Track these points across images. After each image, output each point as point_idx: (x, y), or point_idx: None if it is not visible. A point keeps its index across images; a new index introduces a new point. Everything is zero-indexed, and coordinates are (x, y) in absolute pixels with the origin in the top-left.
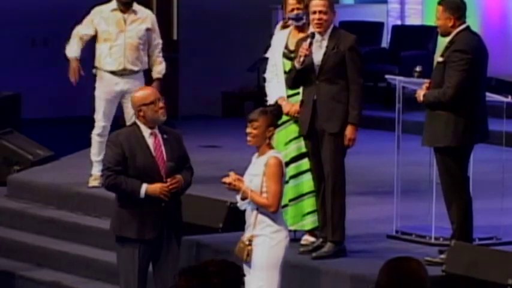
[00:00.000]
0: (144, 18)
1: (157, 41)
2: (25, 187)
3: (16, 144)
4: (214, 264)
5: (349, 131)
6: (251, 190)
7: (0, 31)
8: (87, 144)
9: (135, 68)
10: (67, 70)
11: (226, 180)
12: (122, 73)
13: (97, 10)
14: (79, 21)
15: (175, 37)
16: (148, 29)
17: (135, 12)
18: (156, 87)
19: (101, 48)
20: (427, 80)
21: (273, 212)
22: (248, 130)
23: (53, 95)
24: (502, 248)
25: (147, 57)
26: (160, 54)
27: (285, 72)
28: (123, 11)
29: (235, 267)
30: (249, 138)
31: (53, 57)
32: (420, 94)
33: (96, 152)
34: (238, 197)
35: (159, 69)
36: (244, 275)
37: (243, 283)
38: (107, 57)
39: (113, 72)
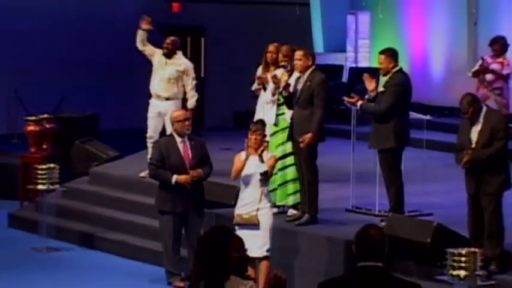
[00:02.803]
0: (180, 64)
1: (189, 81)
2: (101, 176)
3: (94, 147)
4: (212, 231)
5: (308, 135)
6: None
7: (79, 70)
8: (142, 148)
9: (165, 95)
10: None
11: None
12: (156, 96)
13: (159, 50)
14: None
15: (202, 75)
16: (182, 72)
17: (175, 59)
18: (190, 114)
19: (151, 79)
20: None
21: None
22: (254, 137)
23: (119, 113)
24: (423, 218)
25: (178, 90)
26: (192, 91)
27: (283, 101)
28: (166, 56)
29: (227, 229)
30: (253, 142)
31: (122, 90)
32: (358, 103)
33: (150, 153)
34: (255, 166)
35: (190, 102)
36: (233, 234)
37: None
38: (151, 84)
39: (154, 96)
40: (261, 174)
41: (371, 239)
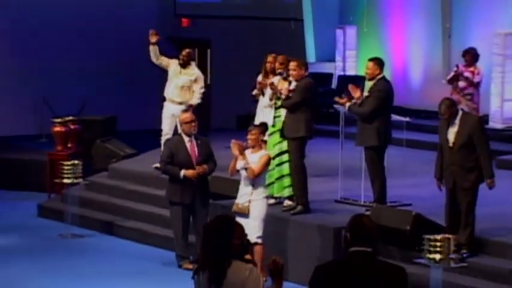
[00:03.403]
0: (192, 74)
1: (197, 88)
2: (118, 171)
3: (113, 145)
4: (216, 220)
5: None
6: (247, 163)
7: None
8: (155, 146)
9: (178, 99)
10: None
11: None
12: (171, 101)
13: (174, 60)
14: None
15: (208, 82)
16: (193, 80)
17: (189, 69)
18: (190, 111)
19: (166, 85)
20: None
21: (252, 178)
22: (249, 136)
23: (135, 115)
24: (403, 208)
25: (190, 96)
26: (198, 96)
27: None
28: (182, 66)
29: (233, 220)
30: (249, 140)
31: (138, 95)
32: (346, 104)
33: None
34: (240, 164)
35: (194, 101)
36: (235, 222)
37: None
38: (166, 92)
39: (169, 101)
40: (245, 169)
41: (363, 227)
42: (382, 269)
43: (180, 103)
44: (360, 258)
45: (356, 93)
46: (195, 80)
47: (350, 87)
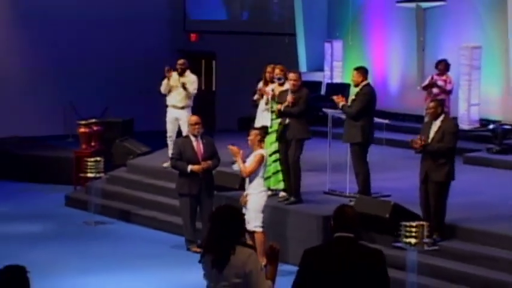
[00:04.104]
0: (189, 79)
1: (191, 88)
2: (135, 167)
3: (130, 144)
4: (223, 209)
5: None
6: (242, 161)
7: (119, 85)
8: (164, 145)
9: (180, 105)
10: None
11: (236, 148)
12: (173, 106)
13: (173, 73)
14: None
15: (213, 89)
16: (190, 83)
17: (185, 76)
18: (194, 114)
19: (169, 94)
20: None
21: (245, 176)
22: (248, 137)
23: (150, 118)
24: (383, 198)
25: (189, 100)
26: (190, 96)
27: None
28: (180, 76)
29: (235, 209)
30: (249, 141)
31: (152, 101)
32: (340, 103)
33: (170, 150)
34: (235, 166)
35: (190, 90)
36: (241, 212)
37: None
38: (169, 99)
39: (172, 106)
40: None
41: (345, 216)
42: (363, 252)
43: (182, 107)
44: (343, 243)
45: (341, 101)
46: (191, 82)
47: (334, 98)
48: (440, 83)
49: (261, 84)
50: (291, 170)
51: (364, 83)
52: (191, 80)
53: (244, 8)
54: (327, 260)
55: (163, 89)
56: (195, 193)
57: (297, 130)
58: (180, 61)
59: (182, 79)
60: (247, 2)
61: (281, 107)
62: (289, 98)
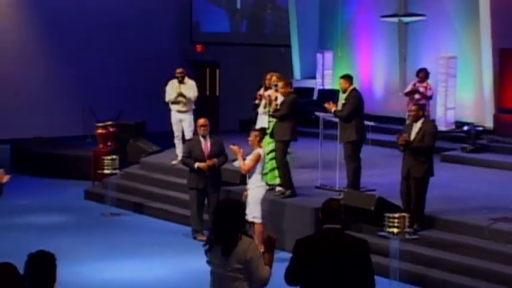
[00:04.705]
0: (189, 84)
1: (193, 93)
2: (147, 164)
3: (143, 144)
4: (227, 202)
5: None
6: (243, 158)
7: (132, 91)
8: (172, 145)
9: (183, 109)
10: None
11: (237, 147)
12: (177, 111)
13: (172, 81)
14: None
15: (217, 94)
16: (190, 88)
17: (185, 82)
18: (202, 117)
19: (171, 99)
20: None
21: (244, 172)
22: (249, 138)
23: (160, 120)
24: (368, 192)
25: (191, 104)
26: (192, 99)
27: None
28: (180, 83)
29: (236, 202)
30: (249, 141)
31: (162, 105)
32: (331, 108)
33: (177, 148)
34: (235, 163)
35: (192, 95)
36: (241, 204)
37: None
38: (173, 103)
39: (175, 111)
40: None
41: (330, 209)
42: (349, 242)
43: (186, 111)
44: (331, 234)
45: (332, 107)
46: (190, 87)
47: (325, 105)
48: (421, 89)
49: (261, 91)
50: (280, 168)
51: (351, 88)
52: (190, 85)
53: (245, 22)
54: (317, 249)
55: (171, 101)
56: (202, 187)
57: (280, 132)
58: (179, 70)
59: (182, 87)
60: (247, 17)
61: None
62: (278, 102)
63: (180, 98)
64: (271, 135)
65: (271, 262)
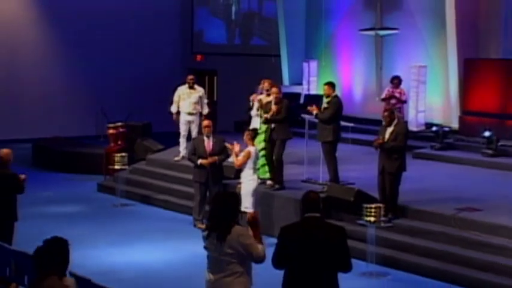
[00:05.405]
0: (198, 91)
1: (204, 101)
2: (153, 161)
3: (149, 143)
4: (224, 194)
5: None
6: (236, 155)
7: (140, 95)
8: (175, 143)
9: (193, 111)
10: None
11: (232, 146)
12: (188, 113)
13: (180, 88)
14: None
15: (215, 99)
16: (200, 96)
17: (196, 89)
18: (206, 119)
19: (181, 103)
20: (315, 119)
21: (236, 167)
22: (244, 137)
23: (165, 122)
24: (348, 185)
25: (200, 107)
26: (205, 106)
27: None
28: (190, 88)
29: (230, 194)
30: (244, 139)
31: (167, 108)
32: (314, 111)
33: (181, 146)
34: (229, 159)
35: (205, 112)
36: (235, 196)
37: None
38: (183, 107)
39: (186, 113)
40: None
41: (309, 199)
42: (327, 228)
43: (195, 113)
44: (311, 221)
45: (315, 110)
46: (202, 96)
47: (308, 109)
48: (396, 94)
49: (254, 95)
50: (275, 163)
51: (333, 94)
52: (202, 91)
53: (239, 33)
54: (299, 235)
55: (175, 108)
56: (203, 181)
57: (281, 132)
58: (190, 76)
59: (193, 91)
60: (240, 28)
61: (268, 116)
62: (274, 108)
63: (190, 100)
64: (269, 137)
65: (260, 237)
